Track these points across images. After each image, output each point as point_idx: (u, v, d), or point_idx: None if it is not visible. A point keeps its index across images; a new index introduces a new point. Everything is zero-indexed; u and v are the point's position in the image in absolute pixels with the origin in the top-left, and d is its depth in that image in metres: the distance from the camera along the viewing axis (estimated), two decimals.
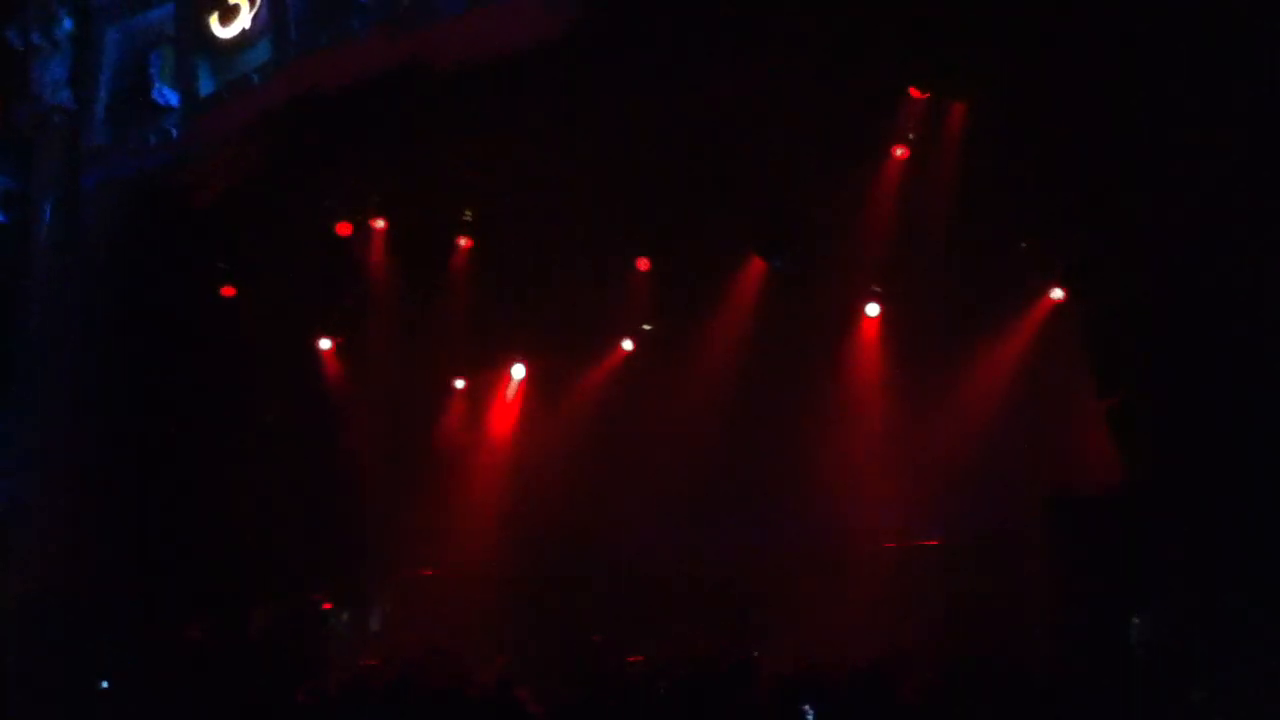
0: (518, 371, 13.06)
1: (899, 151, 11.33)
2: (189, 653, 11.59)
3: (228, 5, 13.13)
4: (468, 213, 12.57)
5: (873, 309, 11.79)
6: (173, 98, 13.30)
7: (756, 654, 10.80)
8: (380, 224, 12.63)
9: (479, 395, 13.24)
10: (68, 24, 13.87)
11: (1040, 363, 10.79)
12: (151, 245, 12.46)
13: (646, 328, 12.83)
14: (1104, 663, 8.56)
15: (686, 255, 12.04)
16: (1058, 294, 10.91)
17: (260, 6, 12.93)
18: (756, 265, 12.06)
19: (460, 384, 13.37)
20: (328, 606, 12.95)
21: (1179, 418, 8.96)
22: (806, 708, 9.55)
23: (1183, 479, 8.80)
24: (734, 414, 11.86)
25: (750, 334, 12.01)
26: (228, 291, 12.74)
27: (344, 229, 12.55)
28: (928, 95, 10.88)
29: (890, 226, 11.46)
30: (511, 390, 13.10)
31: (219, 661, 11.44)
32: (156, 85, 13.32)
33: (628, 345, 12.90)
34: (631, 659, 11.28)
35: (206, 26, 13.22)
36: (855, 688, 8.23)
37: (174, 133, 13.22)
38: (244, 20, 13.06)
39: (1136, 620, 9.00)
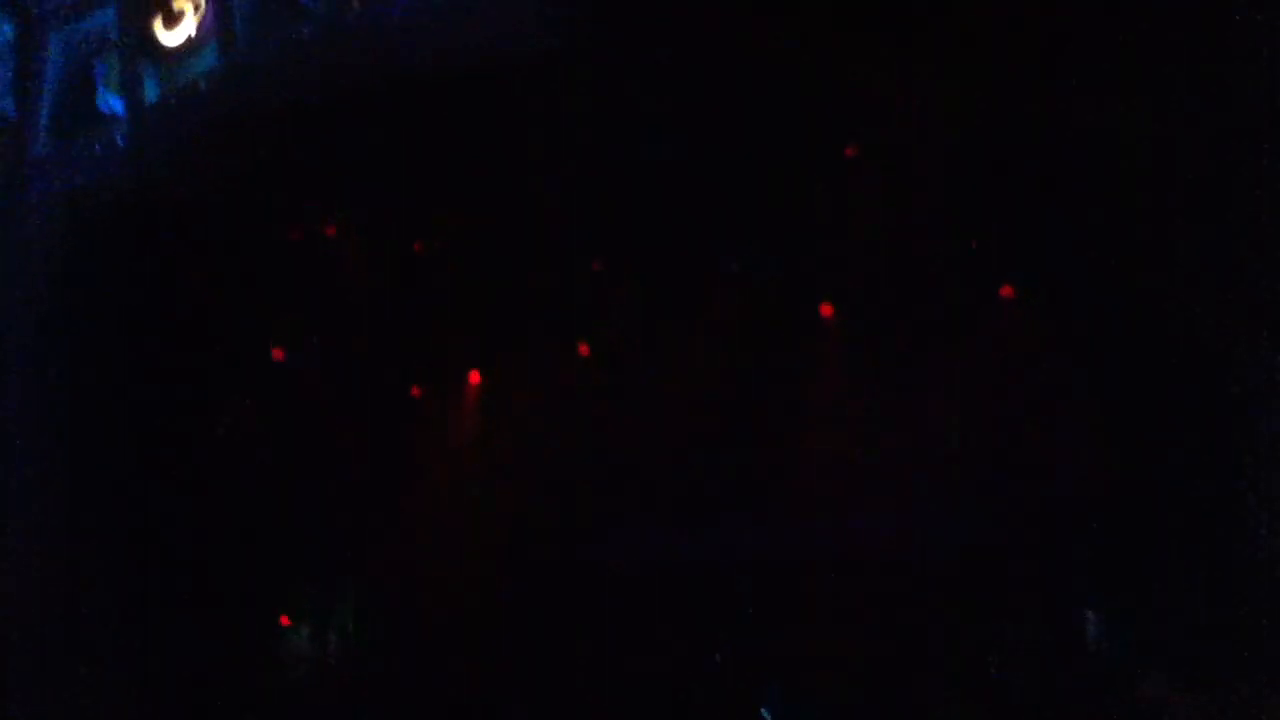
0: (473, 378, 12.99)
1: (849, 150, 11.43)
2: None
3: (172, 10, 12.93)
4: (424, 218, 12.53)
5: (829, 311, 11.85)
6: (118, 106, 13.06)
7: (718, 657, 10.93)
8: (332, 230, 12.56)
9: (439, 402, 13.15)
10: (7, 30, 13.59)
11: (1003, 363, 10.90)
12: (99, 257, 12.26)
13: (603, 330, 12.80)
14: (1080, 664, 8.68)
15: (644, 258, 12.05)
16: (1009, 292, 11.04)
17: (206, 12, 12.74)
18: (714, 268, 12.10)
19: (419, 390, 13.28)
20: (285, 622, 12.85)
21: (1141, 413, 9.09)
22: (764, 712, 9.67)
23: (1145, 476, 8.93)
24: (693, 418, 11.87)
25: (709, 337, 12.04)
26: (179, 301, 12.62)
27: (296, 235, 12.49)
28: (879, 93, 10.98)
29: (844, 228, 11.55)
30: (471, 396, 13.04)
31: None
32: (101, 93, 13.08)
33: (585, 349, 12.87)
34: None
35: (151, 32, 13.00)
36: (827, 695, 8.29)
37: (120, 141, 13.01)
38: (189, 26, 12.86)
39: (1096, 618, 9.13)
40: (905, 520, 10.89)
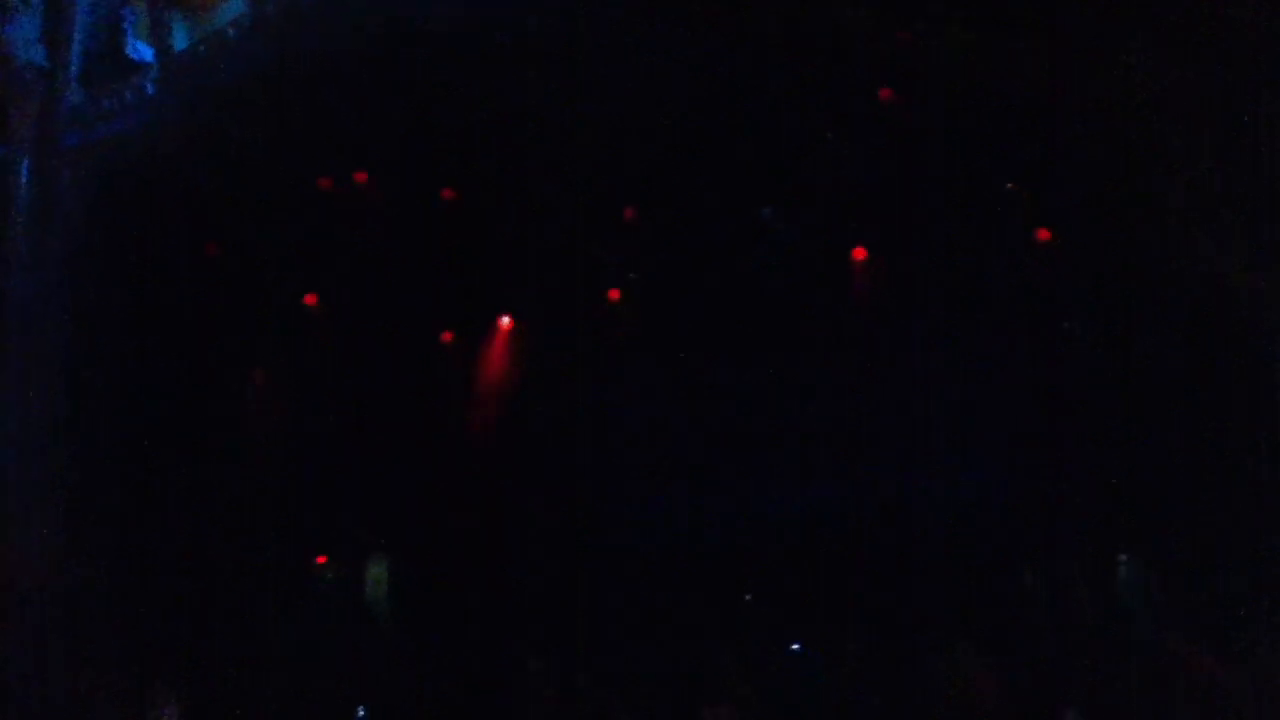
0: (504, 323, 12.99)
1: (884, 93, 11.28)
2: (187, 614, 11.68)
3: None
4: (452, 164, 12.48)
5: (862, 256, 11.75)
6: (147, 53, 13.09)
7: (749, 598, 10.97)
8: (363, 178, 12.54)
9: (467, 348, 13.15)
10: None
11: (1034, 306, 10.78)
12: (132, 207, 12.32)
13: (633, 277, 12.76)
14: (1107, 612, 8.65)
15: (674, 204, 11.97)
16: (1045, 234, 10.91)
17: None
18: (746, 215, 12.01)
19: (448, 338, 13.30)
20: (322, 561, 12.99)
21: (1167, 360, 8.99)
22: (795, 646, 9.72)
23: (1173, 423, 8.84)
24: (726, 366, 11.84)
25: (740, 285, 11.97)
26: (211, 249, 12.70)
27: (325, 183, 12.49)
28: (911, 35, 10.83)
29: (878, 172, 11.42)
30: (500, 343, 13.05)
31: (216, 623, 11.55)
32: (130, 41, 13.10)
33: (615, 296, 12.84)
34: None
35: None
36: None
37: (150, 89, 13.03)
38: None
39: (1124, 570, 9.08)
40: (948, 474, 10.90)
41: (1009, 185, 11.14)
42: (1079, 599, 9.58)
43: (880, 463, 11.03)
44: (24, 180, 12.96)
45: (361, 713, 11.78)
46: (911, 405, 10.95)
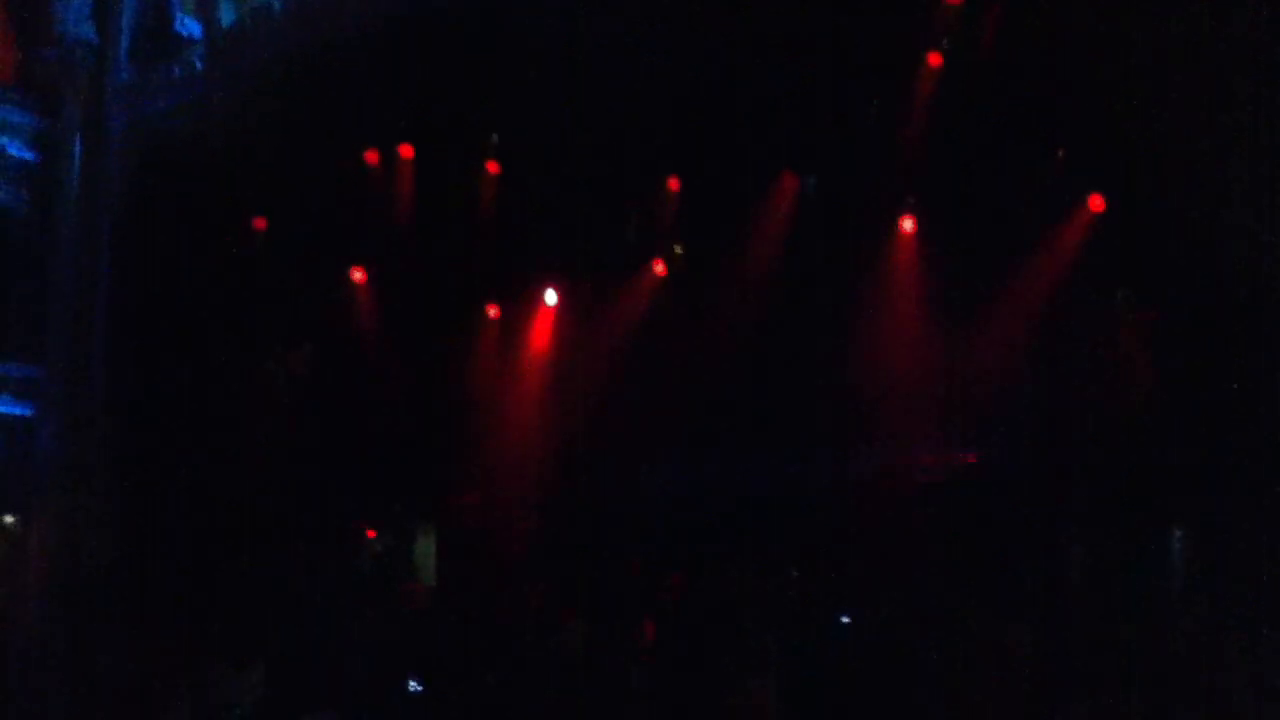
0: (550, 297, 12.96)
1: (932, 59, 11.10)
2: (239, 588, 11.74)
3: None
4: (495, 137, 12.46)
5: (908, 223, 11.58)
6: (195, 29, 13.19)
7: (795, 573, 10.86)
8: (408, 152, 12.55)
9: (512, 322, 13.15)
10: None
11: (1081, 275, 10.57)
12: (178, 180, 12.41)
13: (678, 249, 12.67)
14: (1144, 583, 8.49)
15: (718, 173, 11.86)
16: (1098, 203, 10.68)
17: None
18: (788, 181, 11.89)
19: (493, 312, 13.30)
20: (371, 535, 13.05)
21: (1219, 330, 8.76)
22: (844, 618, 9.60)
23: (1224, 394, 8.63)
24: (771, 333, 11.72)
25: (785, 252, 11.85)
26: (259, 223, 12.80)
27: (371, 157, 12.52)
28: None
29: (925, 137, 11.24)
30: (545, 317, 13.02)
31: (267, 596, 11.60)
32: (178, 17, 13.21)
33: (660, 267, 12.76)
34: (675, 579, 11.32)
35: None
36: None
37: (198, 65, 13.13)
38: None
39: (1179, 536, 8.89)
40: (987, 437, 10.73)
41: (1058, 152, 10.89)
42: (1115, 568, 9.39)
43: (923, 431, 10.89)
44: (75, 157, 13.11)
45: (414, 685, 11.81)
46: (956, 374, 10.78)
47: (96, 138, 13.09)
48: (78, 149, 13.22)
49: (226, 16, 13.03)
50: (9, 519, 12.27)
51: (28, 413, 12.72)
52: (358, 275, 13.09)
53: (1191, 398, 9.01)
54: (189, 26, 13.15)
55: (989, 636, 8.31)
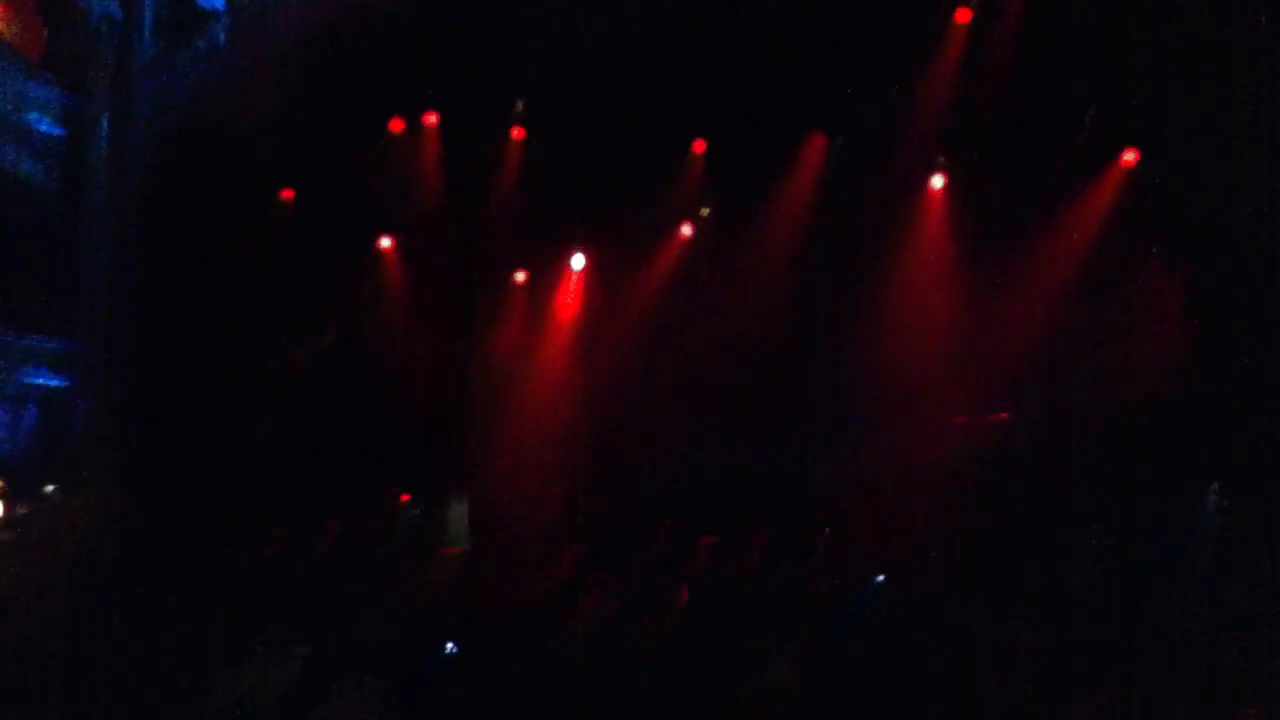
0: (577, 262, 12.94)
1: (962, 17, 11.00)
2: (275, 557, 11.82)
3: None
4: (520, 103, 12.43)
5: (938, 181, 11.50)
6: (218, 2, 13.16)
7: (828, 530, 10.84)
8: (433, 120, 12.54)
9: (540, 288, 13.15)
10: None
11: (1114, 232, 10.47)
12: (205, 155, 12.42)
13: (705, 212, 12.62)
14: (1167, 552, 8.42)
15: (744, 135, 11.79)
16: (1130, 158, 10.56)
17: None
18: (817, 141, 11.82)
19: (521, 277, 13.30)
20: (405, 499, 13.11)
21: (1257, 288, 8.65)
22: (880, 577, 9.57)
23: (1261, 356, 8.52)
24: (800, 294, 11.69)
25: (813, 212, 11.79)
26: (287, 194, 12.83)
27: (396, 126, 12.53)
28: None
29: (954, 95, 11.15)
30: (573, 281, 13.01)
31: (303, 564, 11.69)
32: None
33: (688, 230, 12.72)
34: (706, 540, 11.34)
35: None
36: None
37: (222, 38, 13.11)
38: None
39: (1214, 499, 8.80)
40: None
41: (1089, 110, 10.77)
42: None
43: (955, 392, 10.85)
44: (102, 134, 13.14)
45: (451, 647, 11.89)
46: (988, 333, 10.72)
47: (123, 113, 13.10)
48: (105, 124, 13.24)
49: None
50: (49, 488, 12.35)
51: (64, 384, 12.82)
52: (386, 244, 13.12)
53: (1227, 361, 8.91)
54: (211, 0, 13.15)
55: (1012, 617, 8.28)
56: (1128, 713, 7.55)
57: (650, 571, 11.01)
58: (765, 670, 8.75)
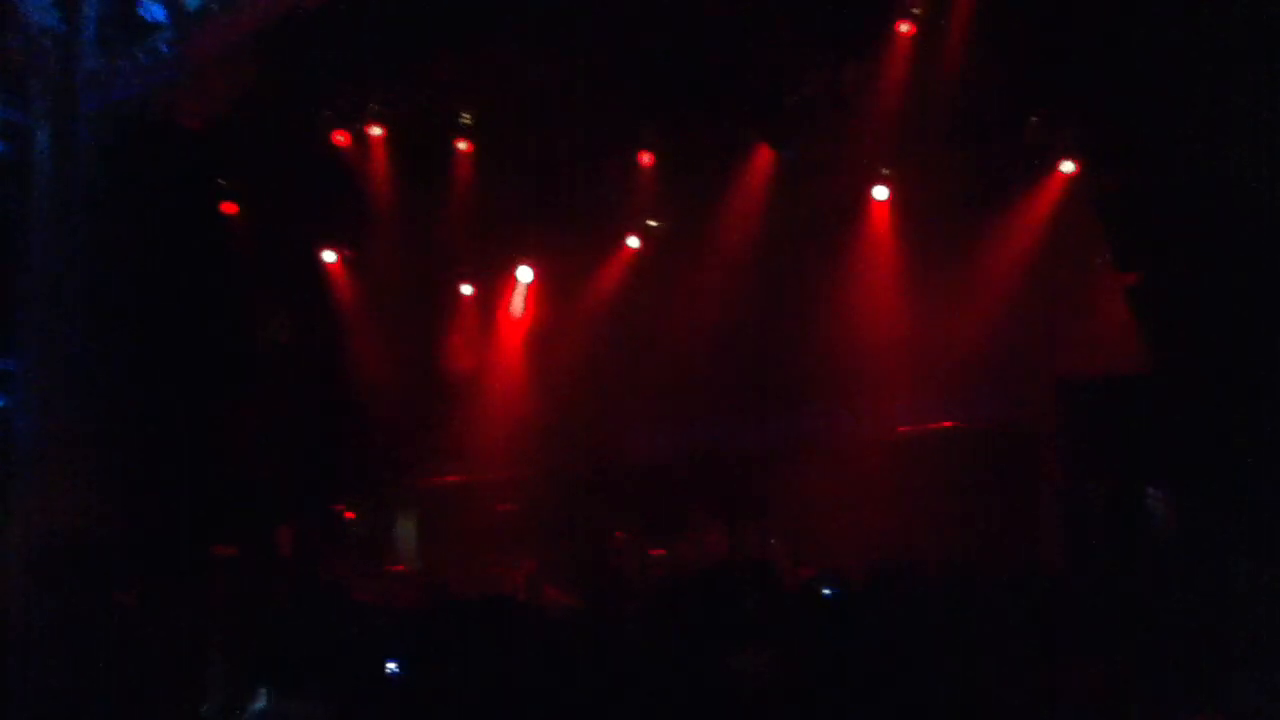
0: (525, 274, 12.92)
1: (904, 28, 11.07)
2: (220, 572, 11.69)
3: None
4: (465, 115, 12.39)
5: (881, 192, 11.57)
6: (160, 13, 13.02)
7: (774, 541, 10.86)
8: (377, 132, 12.47)
9: (488, 300, 13.13)
10: None
11: (1056, 240, 10.57)
12: (149, 167, 12.31)
13: (652, 224, 12.64)
14: (1119, 549, 8.48)
15: (690, 147, 11.83)
16: (1069, 167, 10.67)
17: None
18: (763, 154, 11.86)
19: (468, 290, 13.26)
20: (350, 516, 13.03)
21: (1201, 294, 8.72)
22: (826, 590, 9.56)
23: (1203, 358, 8.60)
24: (746, 305, 11.73)
25: (759, 224, 11.83)
26: (229, 208, 12.72)
27: (341, 139, 12.44)
28: None
29: (897, 106, 11.21)
30: (520, 294, 12.99)
31: (250, 579, 11.54)
32: (143, 2, 13.04)
33: (634, 242, 12.73)
34: (654, 552, 11.33)
35: None
36: (875, 583, 8.19)
37: (165, 49, 12.97)
38: None
39: (1152, 499, 8.86)
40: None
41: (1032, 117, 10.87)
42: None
43: (899, 399, 10.92)
44: (44, 147, 12.98)
45: (392, 667, 11.80)
46: (931, 341, 10.80)
47: (65, 126, 12.96)
48: (46, 137, 13.08)
49: (192, 1, 12.91)
50: None
51: (3, 404, 12.64)
52: (331, 256, 13.05)
53: (1170, 363, 8.98)
54: (153, 11, 13.00)
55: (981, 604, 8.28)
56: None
57: (603, 584, 11.00)
58: (733, 661, 8.76)
